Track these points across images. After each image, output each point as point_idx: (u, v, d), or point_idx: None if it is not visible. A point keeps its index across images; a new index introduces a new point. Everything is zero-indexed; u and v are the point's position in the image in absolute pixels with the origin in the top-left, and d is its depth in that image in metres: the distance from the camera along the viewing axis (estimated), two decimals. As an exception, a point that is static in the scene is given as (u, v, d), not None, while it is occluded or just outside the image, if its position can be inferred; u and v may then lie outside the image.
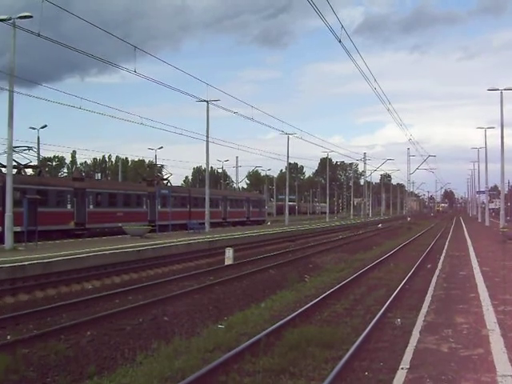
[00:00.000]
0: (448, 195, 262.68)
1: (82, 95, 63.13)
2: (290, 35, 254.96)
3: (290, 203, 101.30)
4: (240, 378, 9.47)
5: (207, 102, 51.99)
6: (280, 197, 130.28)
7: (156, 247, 32.64)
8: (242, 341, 11.78)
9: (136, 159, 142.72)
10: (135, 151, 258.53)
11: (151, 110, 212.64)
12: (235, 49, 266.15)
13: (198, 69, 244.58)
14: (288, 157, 78.86)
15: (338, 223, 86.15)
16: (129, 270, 25.74)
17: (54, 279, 22.29)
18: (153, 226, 46.34)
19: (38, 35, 26.40)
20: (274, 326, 12.82)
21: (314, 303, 16.24)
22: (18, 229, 31.54)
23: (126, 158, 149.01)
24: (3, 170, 37.61)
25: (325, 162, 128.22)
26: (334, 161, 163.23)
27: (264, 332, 12.15)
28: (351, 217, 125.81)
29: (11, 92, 30.52)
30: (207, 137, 53.58)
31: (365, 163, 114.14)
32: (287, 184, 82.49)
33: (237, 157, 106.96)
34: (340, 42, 26.33)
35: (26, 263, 23.12)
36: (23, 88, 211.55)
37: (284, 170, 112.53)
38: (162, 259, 29.96)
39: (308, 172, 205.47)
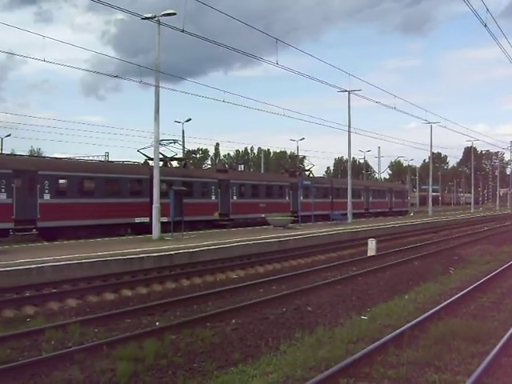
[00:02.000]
0: None
1: (225, 89, 64.13)
2: (432, 22, 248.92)
3: (434, 194, 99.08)
4: (384, 370, 9.38)
5: (348, 92, 51.80)
6: (423, 187, 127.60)
7: (298, 238, 32.84)
8: (386, 332, 11.67)
9: (278, 150, 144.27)
10: (277, 142, 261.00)
11: (293, 101, 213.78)
12: (376, 38, 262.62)
13: (339, 59, 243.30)
14: (431, 146, 77.51)
15: (483, 214, 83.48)
16: (272, 260, 26.03)
17: (199, 268, 22.90)
18: (295, 217, 46.65)
19: (182, 31, 27.16)
20: (419, 319, 12.62)
21: (460, 296, 15.83)
22: (165, 219, 32.61)
23: (268, 150, 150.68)
24: (151, 162, 39.00)
25: (469, 151, 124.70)
26: (479, 150, 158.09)
27: (408, 324, 12.00)
28: (497, 208, 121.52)
29: (157, 87, 31.55)
30: (349, 127, 53.42)
31: (511, 152, 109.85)
32: (430, 174, 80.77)
33: (379, 147, 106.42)
34: (485, 26, 25.55)
35: (173, 252, 23.92)
36: (169, 83, 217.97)
37: (427, 160, 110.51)
38: (305, 250, 30.08)
39: (452, 162, 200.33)
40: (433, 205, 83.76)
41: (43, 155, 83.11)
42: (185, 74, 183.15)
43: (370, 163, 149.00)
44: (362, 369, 9.39)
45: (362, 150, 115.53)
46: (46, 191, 32.64)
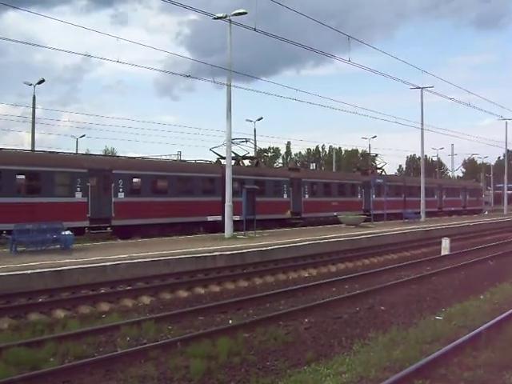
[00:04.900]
0: None
1: (297, 87, 64.13)
2: (508, 16, 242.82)
3: (509, 192, 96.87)
4: (460, 372, 9.20)
5: (421, 88, 51.15)
6: (498, 185, 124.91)
7: (371, 236, 32.61)
8: (461, 333, 11.46)
9: (349, 149, 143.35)
10: (348, 141, 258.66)
11: (365, 98, 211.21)
12: (451, 34, 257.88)
13: (412, 56, 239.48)
14: (506, 143, 75.73)
15: None
16: (344, 258, 25.92)
17: (271, 267, 22.95)
18: (368, 215, 46.31)
19: (254, 30, 27.22)
20: (495, 320, 12.34)
21: (538, 297, 15.46)
22: (237, 218, 32.79)
23: (340, 148, 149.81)
24: (223, 161, 39.23)
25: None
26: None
27: (484, 325, 11.75)
28: None
29: (229, 86, 31.74)
30: (422, 124, 52.74)
31: None
32: (506, 171, 79.06)
33: (452, 144, 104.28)
34: None
35: (245, 251, 24.02)
36: (242, 82, 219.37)
37: (502, 158, 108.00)
38: (378, 248, 29.88)
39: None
40: (508, 203, 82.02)
41: (117, 155, 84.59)
42: (258, 73, 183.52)
43: (443, 161, 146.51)
44: (438, 370, 9.23)
45: (435, 148, 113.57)
46: (121, 190, 33.21)
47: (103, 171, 32.53)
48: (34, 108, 49.94)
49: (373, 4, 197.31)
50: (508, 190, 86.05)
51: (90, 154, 44.83)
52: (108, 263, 19.30)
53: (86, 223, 31.32)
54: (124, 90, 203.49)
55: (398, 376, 8.51)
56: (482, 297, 16.62)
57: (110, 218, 32.48)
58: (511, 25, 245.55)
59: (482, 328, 11.43)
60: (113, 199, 32.64)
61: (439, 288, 18.45)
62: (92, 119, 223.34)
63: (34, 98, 50.21)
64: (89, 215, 31.30)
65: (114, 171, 33.03)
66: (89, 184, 31.49)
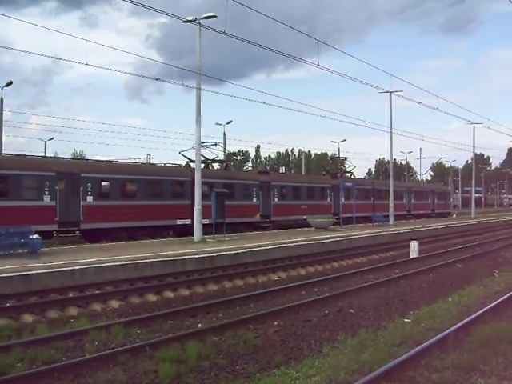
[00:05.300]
0: None
1: (267, 91, 64.17)
2: (475, 21, 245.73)
3: (476, 195, 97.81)
4: (428, 374, 9.26)
5: (390, 92, 51.54)
6: (466, 189, 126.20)
7: (340, 240, 32.73)
8: (430, 336, 11.53)
9: (319, 152, 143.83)
10: (318, 144, 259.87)
11: (334, 102, 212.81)
12: (419, 38, 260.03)
13: (381, 60, 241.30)
14: (474, 147, 76.57)
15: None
16: (313, 262, 25.97)
17: (241, 270, 22.93)
18: (337, 219, 46.48)
19: (224, 33, 27.22)
20: (463, 322, 12.44)
21: (505, 299, 15.58)
22: (207, 221, 32.75)
23: (309, 152, 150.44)
24: (192, 164, 39.14)
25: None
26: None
27: (452, 327, 11.84)
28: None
29: (198, 90, 31.70)
30: (390, 128, 53.16)
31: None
32: (473, 175, 79.95)
33: (420, 148, 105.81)
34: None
35: (215, 254, 23.99)
36: (212, 86, 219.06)
37: (470, 161, 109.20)
38: (347, 252, 30.00)
39: (495, 162, 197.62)
40: (476, 206, 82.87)
41: (86, 158, 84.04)
42: (228, 76, 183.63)
43: (412, 164, 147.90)
44: (406, 372, 9.28)
45: (404, 152, 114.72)
46: (89, 193, 32.98)
47: (72, 174, 32.27)
48: (1, 111, 49.42)
49: (342, 8, 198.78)
50: (476, 193, 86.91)
51: (59, 157, 44.40)
52: (77, 267, 19.13)
53: (54, 227, 31.05)
54: (94, 93, 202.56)
55: (367, 378, 8.54)
56: (450, 299, 16.76)
57: (79, 221, 32.22)
58: (479, 30, 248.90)
59: (449, 330, 11.52)
60: (81, 203, 32.39)
61: (408, 291, 18.57)
62: (61, 122, 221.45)
63: (2, 100, 49.73)
64: (57, 219, 31.02)
65: (82, 174, 32.79)
66: (57, 187, 31.22)
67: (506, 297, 15.88)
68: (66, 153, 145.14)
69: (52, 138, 77.06)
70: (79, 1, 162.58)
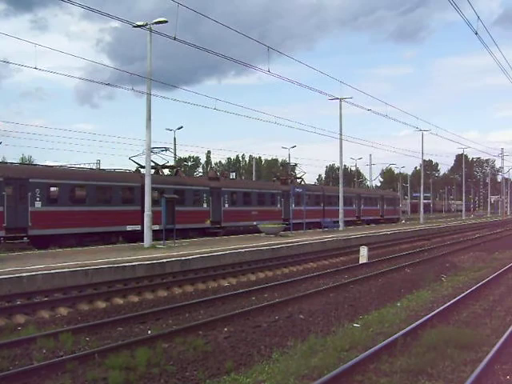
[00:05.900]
0: None
1: (218, 97, 64.22)
2: (425, 30, 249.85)
3: (425, 201, 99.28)
4: (377, 378, 9.37)
5: (340, 99, 51.96)
6: (414, 195, 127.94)
7: (291, 245, 32.83)
8: (379, 340, 11.67)
9: (269, 158, 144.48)
10: (268, 150, 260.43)
11: (285, 109, 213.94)
12: (370, 46, 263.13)
13: (332, 67, 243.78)
14: (422, 154, 77.82)
15: (474, 221, 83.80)
16: (264, 267, 26.00)
17: (191, 276, 22.84)
18: (287, 225, 46.66)
19: (174, 39, 27.11)
20: (411, 326, 12.62)
21: (452, 303, 15.85)
22: (157, 227, 32.60)
23: (260, 158, 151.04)
24: (142, 170, 38.93)
25: (460, 159, 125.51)
26: (470, 157, 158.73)
27: (401, 332, 11.99)
28: (488, 215, 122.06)
29: (149, 95, 31.52)
30: (340, 135, 53.54)
31: (502, 159, 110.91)
32: (422, 181, 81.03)
33: (370, 154, 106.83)
34: (476, 34, 25.76)
35: (165, 260, 23.86)
36: (163, 91, 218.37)
37: (418, 168, 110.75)
38: (297, 257, 30.10)
39: (443, 169, 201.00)
40: (424, 212, 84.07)
41: (34, 163, 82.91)
42: (179, 82, 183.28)
43: (362, 171, 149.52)
44: (355, 377, 9.38)
45: (354, 158, 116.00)
46: (38, 199, 32.53)
47: (19, 180, 31.79)
48: None
49: (293, 15, 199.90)
50: (424, 199, 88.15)
51: (6, 162, 43.75)
52: (24, 274, 18.82)
53: (1, 233, 30.55)
54: (43, 97, 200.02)
55: None
56: (398, 304, 16.96)
57: (27, 227, 31.75)
58: (428, 39, 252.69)
59: (398, 334, 11.67)
60: (29, 208, 31.92)
61: (357, 296, 18.72)
62: (9, 126, 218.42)
63: None
64: (5, 225, 30.51)
65: (30, 180, 32.33)
66: (4, 193, 30.73)
67: (453, 301, 16.14)
68: (14, 158, 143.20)
69: (0, 143, 75.98)
70: (29, 3, 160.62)
